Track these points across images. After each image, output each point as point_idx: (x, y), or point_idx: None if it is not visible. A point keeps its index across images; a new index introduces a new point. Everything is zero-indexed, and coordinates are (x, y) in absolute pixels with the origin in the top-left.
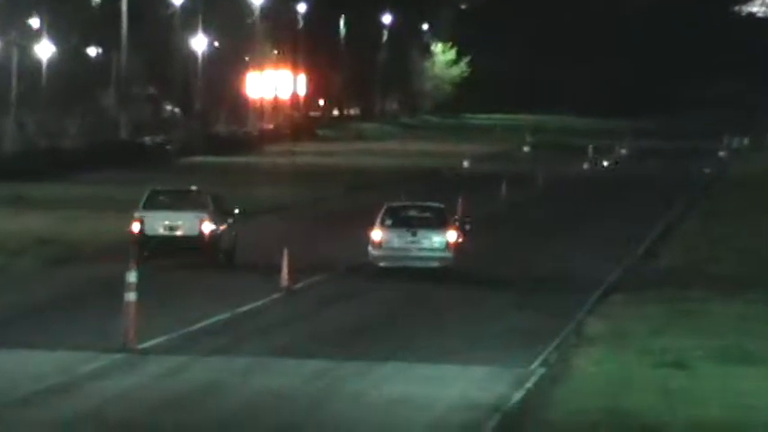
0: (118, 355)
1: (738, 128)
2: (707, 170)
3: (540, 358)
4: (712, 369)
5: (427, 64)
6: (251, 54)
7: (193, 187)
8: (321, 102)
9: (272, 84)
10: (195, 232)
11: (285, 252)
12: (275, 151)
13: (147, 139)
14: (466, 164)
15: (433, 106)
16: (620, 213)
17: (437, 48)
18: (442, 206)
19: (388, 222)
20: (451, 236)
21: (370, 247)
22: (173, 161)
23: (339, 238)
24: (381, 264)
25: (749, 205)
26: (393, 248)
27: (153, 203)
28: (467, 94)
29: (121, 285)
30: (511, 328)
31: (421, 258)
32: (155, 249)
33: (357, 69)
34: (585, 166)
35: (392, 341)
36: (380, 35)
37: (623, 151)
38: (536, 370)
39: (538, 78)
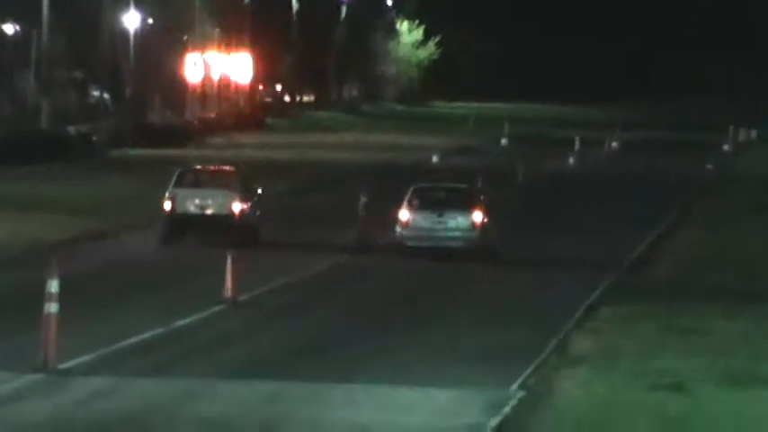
0: (34, 376)
1: (745, 118)
2: (709, 167)
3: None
4: (715, 393)
5: (391, 45)
6: (190, 33)
7: (225, 166)
8: (278, 87)
9: (215, 67)
10: (225, 211)
11: (228, 259)
12: (217, 143)
13: (71, 129)
14: (435, 158)
15: (397, 93)
16: (611, 215)
17: (402, 26)
18: (469, 187)
19: (416, 203)
20: (477, 216)
21: (397, 227)
22: (99, 154)
23: (288, 244)
24: (409, 243)
25: (756, 208)
26: (420, 229)
27: (184, 181)
28: (436, 80)
29: (42, 295)
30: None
31: (447, 238)
32: (186, 228)
33: (312, 51)
34: (571, 161)
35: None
36: (338, 12)
37: (614, 144)
38: (515, 393)
39: (516, 62)
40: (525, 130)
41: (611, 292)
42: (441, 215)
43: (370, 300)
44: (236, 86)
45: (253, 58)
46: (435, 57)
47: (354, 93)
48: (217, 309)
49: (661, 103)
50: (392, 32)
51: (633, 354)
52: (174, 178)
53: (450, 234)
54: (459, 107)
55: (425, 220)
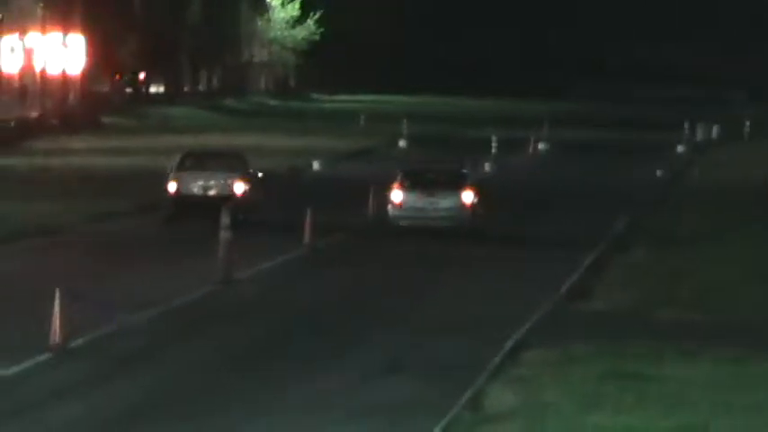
0: None
1: (704, 112)
2: (659, 173)
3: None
4: None
5: (260, 23)
6: (5, 11)
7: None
8: (118, 77)
9: (37, 53)
10: (227, 192)
11: (57, 295)
12: (39, 149)
13: None
14: (316, 165)
15: (270, 84)
16: (537, 236)
17: (274, 0)
18: (460, 169)
19: (407, 184)
20: (467, 197)
21: (389, 207)
22: None
23: (133, 271)
24: (402, 223)
25: (716, 225)
26: (412, 209)
27: (187, 165)
28: (317, 67)
29: None
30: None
31: (438, 218)
32: (188, 209)
33: (160, 31)
34: (487, 167)
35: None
36: None
37: (541, 145)
38: None
39: (418, 45)
40: (429, 130)
41: (539, 331)
42: (432, 195)
43: (241, 342)
44: (66, 77)
45: (86, 42)
46: (316, 38)
47: (215, 83)
48: (42, 358)
49: (606, 97)
50: (261, 7)
51: (566, 408)
52: (177, 161)
53: (440, 214)
54: (347, 101)
55: (417, 200)
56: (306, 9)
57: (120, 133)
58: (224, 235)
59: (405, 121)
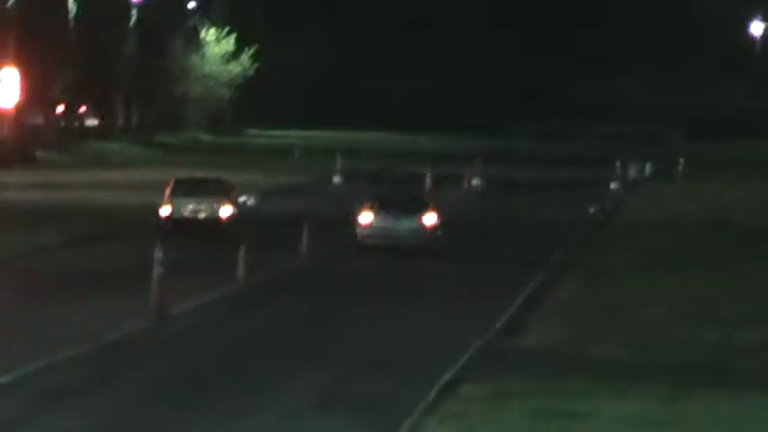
0: None
1: (638, 149)
2: (592, 210)
3: None
4: None
5: (195, 58)
6: None
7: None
8: (59, 110)
9: None
10: (215, 215)
11: None
12: None
13: None
14: (250, 201)
15: (203, 119)
16: (470, 273)
17: (209, 34)
18: (422, 197)
19: (376, 207)
20: (429, 219)
21: (358, 228)
22: None
23: (62, 308)
24: (368, 241)
25: (647, 262)
26: (379, 228)
27: (179, 191)
28: (252, 103)
29: None
30: None
31: (402, 237)
32: (181, 229)
33: (95, 65)
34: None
35: None
36: (127, 16)
37: (475, 182)
38: None
39: (351, 82)
40: (363, 165)
41: (473, 366)
42: (397, 217)
43: (168, 378)
44: None
45: (20, 75)
46: (250, 73)
47: (149, 118)
48: None
49: (539, 133)
50: (196, 42)
51: None
52: (171, 187)
53: (404, 234)
54: (281, 136)
55: (384, 221)
56: (240, 44)
57: (54, 168)
58: (156, 270)
59: (338, 156)
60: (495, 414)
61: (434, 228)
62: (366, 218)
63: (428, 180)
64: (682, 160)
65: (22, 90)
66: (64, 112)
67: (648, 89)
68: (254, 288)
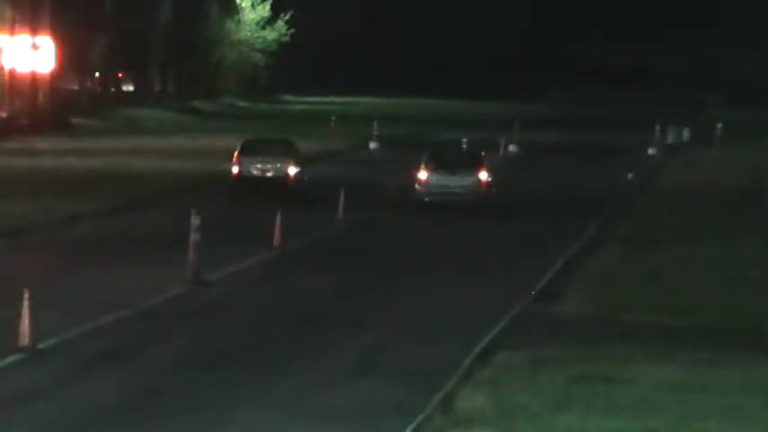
0: None
1: (676, 115)
2: (630, 176)
3: None
4: None
5: (230, 24)
6: None
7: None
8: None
9: (6, 53)
10: (283, 174)
11: (26, 297)
12: (10, 149)
13: None
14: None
15: (239, 85)
16: (508, 239)
17: (244, 0)
18: (476, 154)
19: (432, 165)
20: (483, 175)
21: (417, 186)
22: None
23: (101, 275)
24: (426, 198)
25: (687, 228)
26: (436, 185)
27: (247, 151)
28: (288, 69)
29: None
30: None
31: (458, 193)
32: (249, 188)
33: (129, 32)
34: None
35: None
36: None
37: (512, 147)
38: None
39: (388, 48)
40: (400, 131)
41: (509, 334)
42: (453, 173)
43: (210, 344)
44: (35, 78)
45: (55, 43)
46: (286, 39)
47: (184, 85)
48: (12, 359)
49: (576, 98)
50: (231, 9)
51: (536, 411)
52: (239, 148)
53: (460, 190)
54: (317, 103)
55: (440, 178)
56: (276, 10)
57: (89, 134)
58: (193, 237)
59: (375, 122)
60: (532, 380)
61: (488, 184)
62: (423, 176)
63: (464, 146)
64: (720, 125)
65: (57, 57)
66: (100, 79)
67: (688, 55)
68: (291, 254)
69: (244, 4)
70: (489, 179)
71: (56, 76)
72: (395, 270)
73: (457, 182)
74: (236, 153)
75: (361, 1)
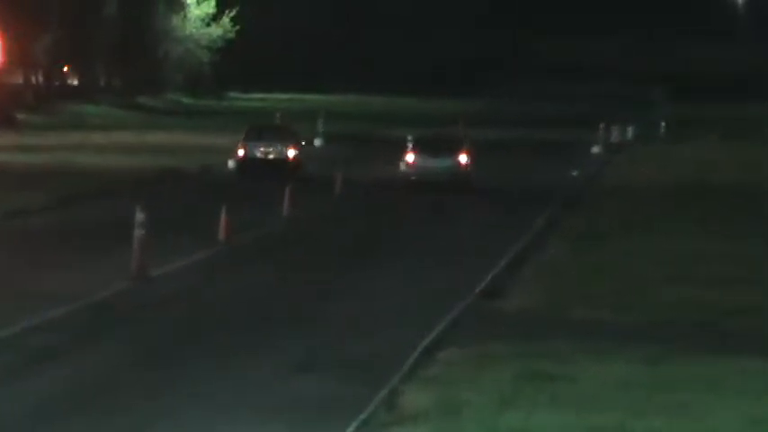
0: None
1: (620, 112)
2: (574, 173)
3: None
4: None
5: (176, 20)
6: None
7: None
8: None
9: None
10: (283, 156)
11: None
12: None
13: None
14: (232, 163)
15: (184, 81)
16: (454, 235)
17: None
18: (457, 139)
19: (418, 149)
20: (462, 158)
21: (403, 167)
22: None
23: (45, 271)
24: (413, 178)
25: (631, 224)
26: (421, 167)
27: (252, 136)
28: (233, 66)
29: None
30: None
31: (440, 173)
32: (253, 169)
33: (75, 26)
34: (403, 165)
35: None
36: None
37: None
38: None
39: (334, 43)
40: (346, 128)
41: (453, 331)
42: (436, 156)
43: (152, 340)
44: None
45: (1, 38)
46: (231, 36)
47: (129, 80)
48: None
49: (520, 96)
50: (176, 4)
51: (481, 408)
52: (245, 133)
53: (442, 170)
54: (262, 99)
55: (425, 161)
56: (221, 7)
57: (35, 130)
58: (138, 232)
59: (320, 119)
60: (476, 377)
61: (467, 165)
62: (410, 158)
63: (410, 143)
64: (663, 123)
65: (2, 51)
66: (45, 74)
67: (632, 51)
68: (235, 250)
69: (189, 1)
70: (468, 161)
71: (1, 70)
72: (339, 264)
73: (439, 164)
74: (242, 137)
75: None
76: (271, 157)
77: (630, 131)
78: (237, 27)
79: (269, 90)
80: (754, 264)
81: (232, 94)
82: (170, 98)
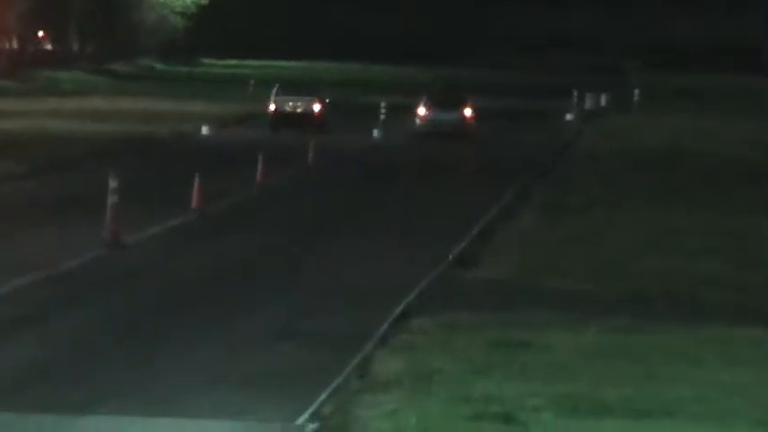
0: None
1: (595, 81)
2: (568, 116)
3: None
4: (554, 425)
5: None
6: None
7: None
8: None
9: None
10: (309, 110)
11: None
12: None
13: None
14: (205, 130)
15: (158, 47)
16: (425, 205)
17: None
18: (462, 95)
19: (429, 104)
20: (467, 111)
21: (417, 120)
22: None
23: (19, 238)
24: (423, 130)
25: (605, 194)
26: (431, 120)
27: (281, 91)
28: (206, 32)
29: None
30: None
31: (448, 125)
32: (284, 122)
33: None
34: (376, 133)
35: None
36: None
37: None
38: (304, 427)
39: (307, 10)
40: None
41: (426, 298)
42: (444, 110)
43: (126, 309)
44: None
45: None
46: (205, 2)
47: (103, 46)
48: None
49: (496, 64)
50: None
51: (453, 375)
52: (275, 90)
53: (450, 123)
54: (236, 66)
55: (435, 114)
56: None
57: (8, 96)
58: (111, 199)
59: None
60: (449, 345)
61: (471, 118)
62: (422, 111)
63: (383, 110)
64: (637, 91)
65: None
66: (19, 40)
67: (607, 20)
68: (210, 218)
69: None
70: (473, 114)
71: None
72: (311, 234)
73: (446, 116)
74: (273, 92)
75: None
76: (299, 111)
77: (604, 100)
78: None
79: (243, 57)
80: (726, 235)
81: (206, 61)
82: (143, 64)
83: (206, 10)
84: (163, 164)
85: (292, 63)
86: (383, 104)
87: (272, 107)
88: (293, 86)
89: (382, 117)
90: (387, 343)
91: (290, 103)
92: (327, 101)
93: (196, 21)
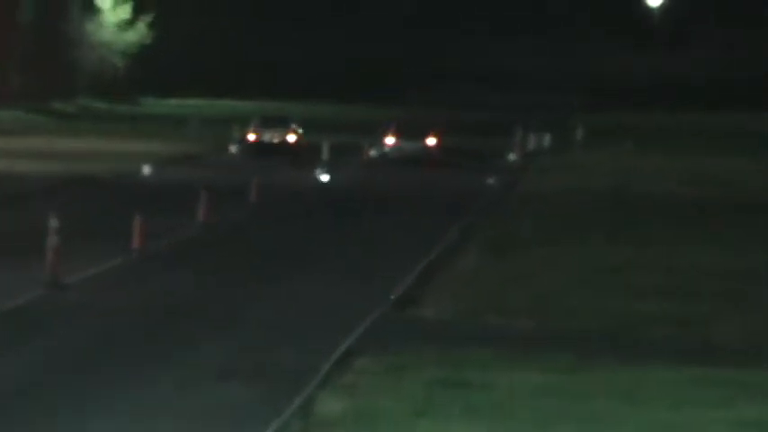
0: None
1: (537, 120)
2: (490, 181)
3: None
4: None
5: (91, 25)
6: None
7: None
8: None
9: None
10: (285, 140)
11: None
12: None
13: None
14: (146, 169)
15: (98, 86)
16: (369, 243)
17: (104, 2)
18: (428, 126)
19: (396, 133)
20: (431, 141)
21: (385, 148)
22: None
23: None
24: (391, 157)
25: (547, 232)
26: (398, 148)
27: (259, 123)
28: (148, 71)
29: None
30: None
31: (413, 153)
32: (262, 151)
33: None
34: (319, 172)
35: None
36: None
37: (373, 152)
38: None
39: (254, 47)
40: None
41: (367, 339)
42: (410, 139)
43: (67, 347)
44: None
45: None
46: (147, 42)
47: (43, 85)
48: None
49: (437, 103)
50: (91, 10)
51: (395, 416)
52: (254, 122)
53: (416, 151)
54: (177, 105)
55: (401, 142)
56: (137, 12)
57: None
58: (51, 239)
59: (234, 126)
60: (391, 385)
61: (435, 147)
62: (390, 140)
63: (325, 150)
64: (579, 130)
65: None
66: None
67: (547, 59)
68: (150, 258)
69: (104, 6)
70: (437, 144)
71: None
72: (253, 273)
73: (411, 146)
74: (252, 125)
75: (229, 4)
76: (275, 141)
77: (547, 139)
78: (153, 33)
79: (184, 96)
80: (671, 272)
81: (148, 100)
82: (84, 103)
83: (147, 49)
84: (103, 203)
85: (236, 102)
86: (325, 144)
87: (251, 137)
88: (269, 120)
89: (325, 156)
90: (329, 382)
91: (268, 134)
92: (301, 131)
93: (137, 60)
